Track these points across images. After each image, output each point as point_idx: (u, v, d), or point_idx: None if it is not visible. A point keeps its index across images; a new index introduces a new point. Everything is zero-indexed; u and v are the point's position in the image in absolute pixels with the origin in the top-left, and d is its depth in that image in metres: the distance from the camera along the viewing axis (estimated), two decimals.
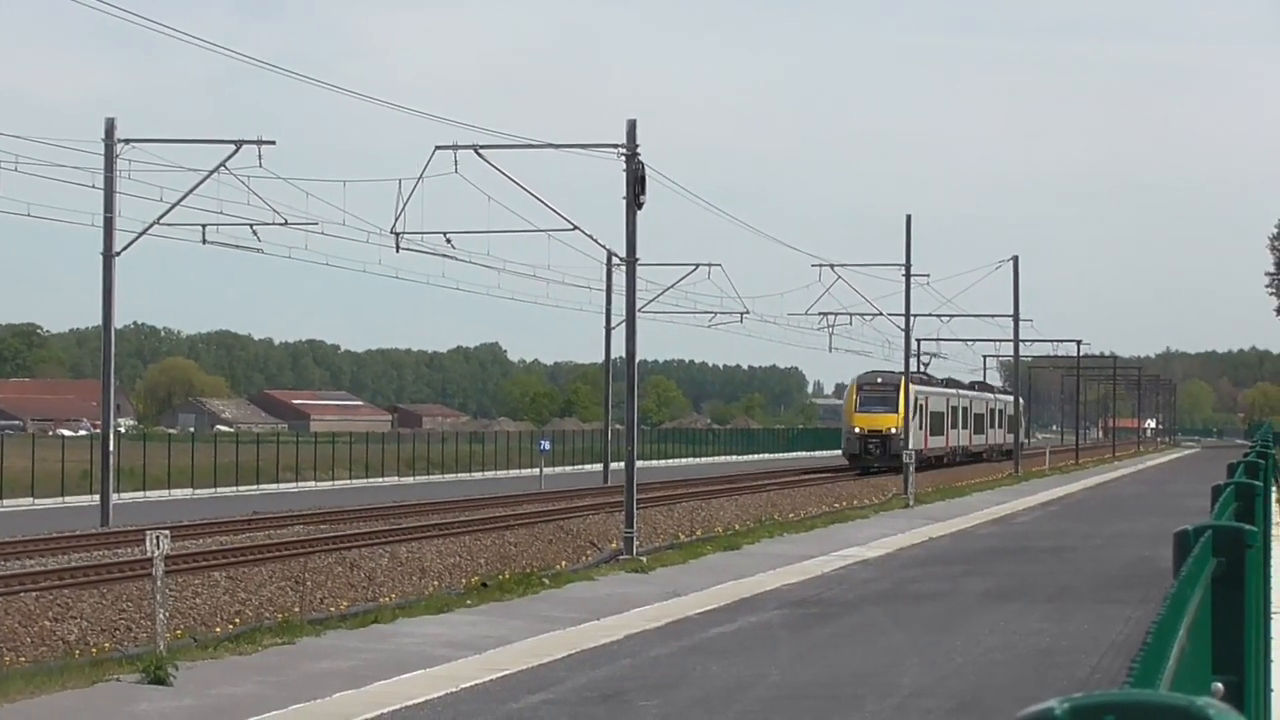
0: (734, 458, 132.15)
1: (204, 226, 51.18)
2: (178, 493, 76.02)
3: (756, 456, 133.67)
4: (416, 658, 24.89)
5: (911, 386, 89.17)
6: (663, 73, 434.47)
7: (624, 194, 44.18)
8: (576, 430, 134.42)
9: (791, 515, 59.70)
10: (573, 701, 20.81)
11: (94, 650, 27.95)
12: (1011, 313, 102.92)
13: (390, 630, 28.34)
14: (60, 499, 69.26)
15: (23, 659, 27.11)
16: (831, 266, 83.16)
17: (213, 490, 77.80)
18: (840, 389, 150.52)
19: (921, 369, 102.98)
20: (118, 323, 51.93)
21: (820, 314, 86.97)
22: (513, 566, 40.31)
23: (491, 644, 26.38)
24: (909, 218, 76.76)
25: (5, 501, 67.59)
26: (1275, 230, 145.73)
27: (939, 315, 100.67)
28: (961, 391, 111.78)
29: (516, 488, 74.89)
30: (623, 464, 47.11)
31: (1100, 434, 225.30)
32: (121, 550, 40.45)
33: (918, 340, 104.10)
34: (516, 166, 52.05)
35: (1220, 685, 5.47)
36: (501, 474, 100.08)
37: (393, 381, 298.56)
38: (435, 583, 38.75)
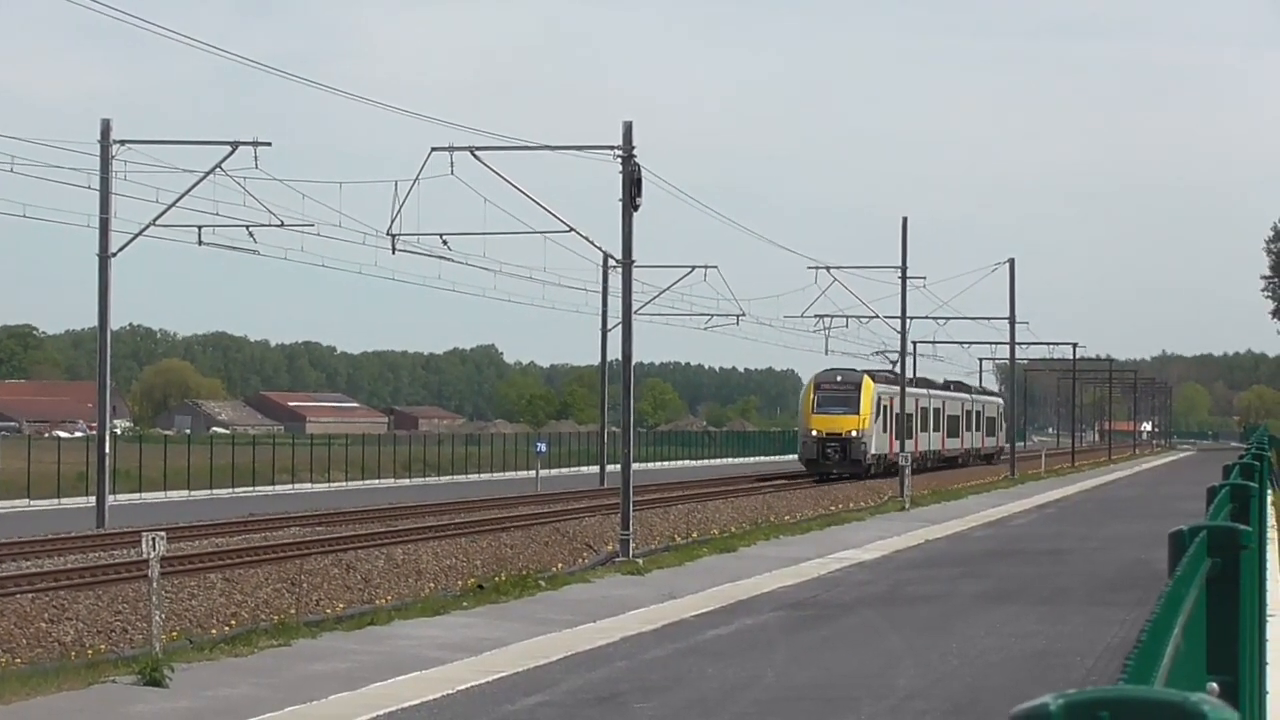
0: (730, 460, 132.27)
1: (200, 228, 51.20)
2: (174, 494, 76.02)
3: (752, 459, 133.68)
4: (412, 660, 24.88)
5: (875, 386, 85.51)
6: (659, 74, 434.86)
7: (620, 196, 44.18)
8: (573, 432, 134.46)
9: (788, 518, 59.71)
10: (568, 704, 20.81)
11: (90, 652, 27.94)
12: (1008, 315, 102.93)
13: (386, 632, 28.34)
14: (56, 500, 69.26)
15: (19, 660, 27.10)
16: (828, 269, 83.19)
17: (209, 492, 77.80)
18: None
19: (891, 368, 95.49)
20: (113, 324, 51.96)
21: (816, 316, 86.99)
22: (509, 568, 40.30)
23: (487, 646, 26.38)
24: (905, 220, 76.85)
25: (1, 503, 67.58)
26: (1271, 233, 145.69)
27: (935, 317, 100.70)
28: (934, 391, 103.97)
29: (513, 490, 74.88)
30: (619, 466, 47.11)
31: (1096, 437, 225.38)
32: (118, 552, 40.44)
33: (914, 343, 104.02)
34: (512, 168, 52.00)
35: (1215, 685, 5.48)
36: (498, 476, 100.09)
37: (389, 383, 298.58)
38: (431, 585, 38.74)
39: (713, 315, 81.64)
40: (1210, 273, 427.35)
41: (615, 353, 59.44)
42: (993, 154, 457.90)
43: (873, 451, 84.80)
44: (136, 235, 50.40)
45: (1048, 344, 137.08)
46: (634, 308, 47.41)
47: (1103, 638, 26.17)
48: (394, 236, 50.07)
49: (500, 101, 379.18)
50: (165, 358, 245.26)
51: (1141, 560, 39.27)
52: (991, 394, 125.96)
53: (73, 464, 71.74)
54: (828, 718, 19.68)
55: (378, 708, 20.56)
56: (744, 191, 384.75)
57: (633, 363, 46.14)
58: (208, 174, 49.15)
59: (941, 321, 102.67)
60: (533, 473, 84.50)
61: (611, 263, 61.55)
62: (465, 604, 32.45)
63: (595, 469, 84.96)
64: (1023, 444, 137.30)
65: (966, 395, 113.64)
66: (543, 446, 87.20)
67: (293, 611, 32.56)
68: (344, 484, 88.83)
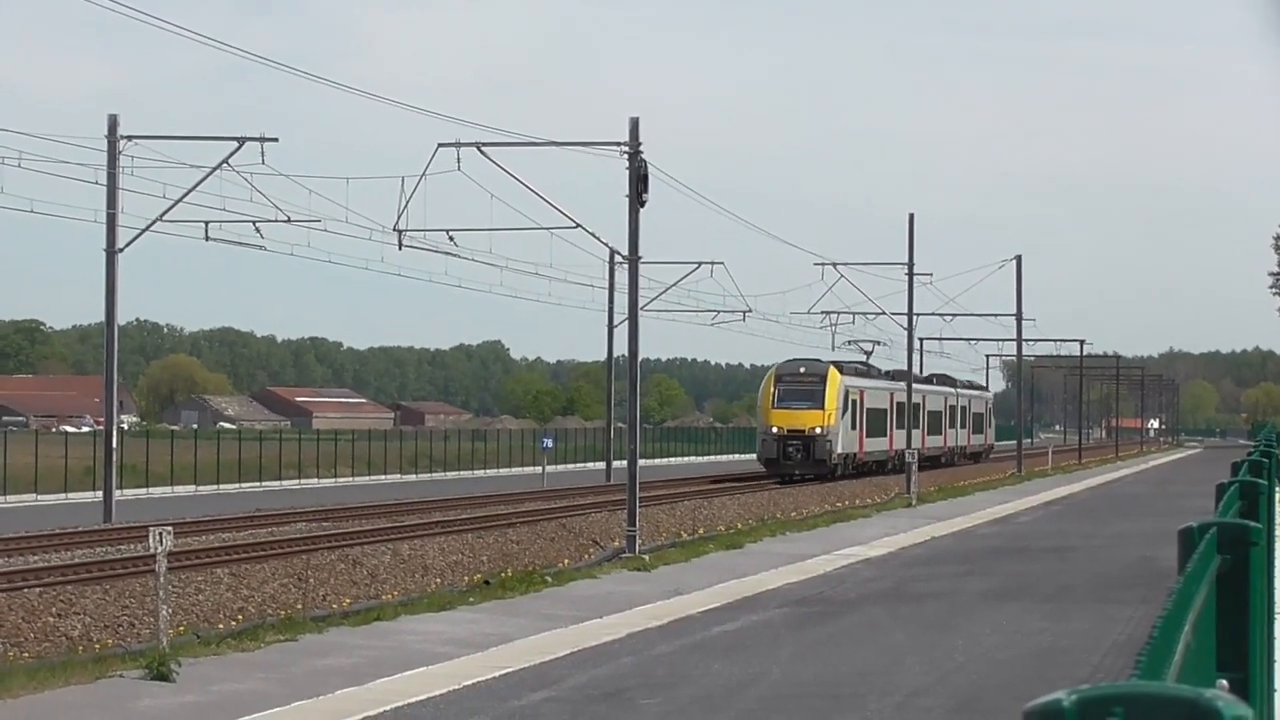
0: (736, 456, 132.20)
1: (207, 223, 51.25)
2: (180, 489, 76.10)
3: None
4: (419, 655, 24.89)
5: (842, 378, 78.38)
6: (666, 71, 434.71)
7: (626, 192, 44.18)
8: (579, 428, 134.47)
9: (794, 514, 59.70)
10: (575, 699, 20.81)
11: (97, 646, 27.96)
12: (1015, 312, 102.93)
13: (392, 628, 28.35)
14: (63, 495, 69.32)
15: (26, 655, 27.12)
16: (834, 265, 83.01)
17: (215, 487, 77.86)
18: None
19: (865, 360, 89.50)
20: (120, 319, 51.97)
21: (823, 313, 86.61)
22: (515, 564, 40.30)
23: (494, 642, 26.39)
24: (911, 216, 76.80)
25: (9, 498, 67.67)
26: (1279, 230, 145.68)
27: (942, 314, 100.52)
28: (913, 386, 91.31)
29: (519, 486, 74.89)
30: (625, 462, 47.11)
31: (1103, 434, 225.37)
32: (125, 547, 40.49)
33: (920, 340, 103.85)
34: (519, 164, 52.14)
35: (1225, 683, 5.48)
36: (504, 472, 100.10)
37: (395, 379, 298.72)
38: (437, 580, 38.75)
39: (719, 311, 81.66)
40: (1218, 270, 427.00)
41: (621, 349, 59.54)
42: (1000, 151, 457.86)
43: (839, 451, 77.47)
44: (143, 230, 50.46)
45: (1055, 340, 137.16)
46: (640, 304, 47.42)
47: (1109, 635, 26.17)
48: (400, 232, 50.11)
49: (502, 100, 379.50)
50: (172, 353, 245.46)
51: (1147, 558, 39.28)
52: (979, 388, 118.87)
53: (80, 459, 71.79)
54: (833, 714, 19.68)
55: (384, 703, 20.57)
56: (750, 188, 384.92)
57: (639, 359, 46.14)
58: (214, 169, 49.16)
59: (948, 318, 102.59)
60: (539, 468, 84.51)
61: (618, 259, 61.53)
62: (471, 600, 32.47)
63: (601, 465, 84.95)
64: (1029, 441, 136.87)
65: (950, 389, 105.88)
66: (549, 442, 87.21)
67: (299, 607, 32.57)
68: (350, 479, 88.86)
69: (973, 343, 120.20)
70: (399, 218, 49.65)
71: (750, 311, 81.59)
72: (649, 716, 19.70)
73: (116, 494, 51.32)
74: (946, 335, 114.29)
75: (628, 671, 23.08)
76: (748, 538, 47.34)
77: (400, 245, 50.43)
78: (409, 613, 30.32)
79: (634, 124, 44.30)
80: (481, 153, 47.19)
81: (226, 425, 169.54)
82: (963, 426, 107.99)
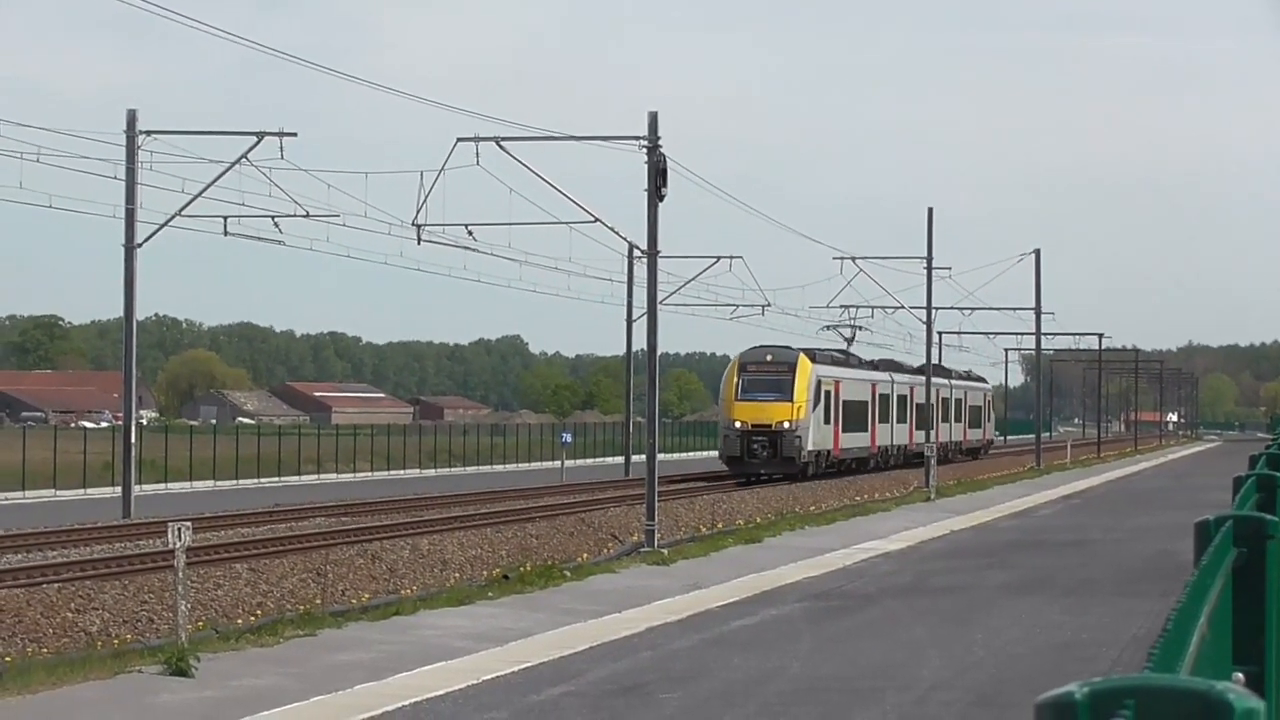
0: None
1: (225, 218, 51.27)
2: (199, 485, 76.22)
3: None
4: (438, 650, 24.91)
5: (814, 367, 71.22)
6: (684, 65, 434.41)
7: (645, 186, 44.17)
8: (598, 423, 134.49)
9: (813, 508, 59.68)
10: (594, 694, 20.82)
11: (116, 641, 28.01)
12: (1033, 306, 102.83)
13: (411, 622, 28.37)
14: (82, 490, 69.43)
15: (45, 650, 27.18)
16: (853, 259, 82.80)
17: (234, 482, 77.98)
18: None
19: (845, 348, 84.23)
20: (139, 314, 52.05)
21: (842, 307, 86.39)
22: (534, 559, 40.32)
23: (513, 636, 26.40)
24: (930, 210, 76.62)
25: (28, 493, 67.80)
26: None
27: (961, 308, 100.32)
28: (897, 376, 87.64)
29: (538, 480, 74.93)
30: (644, 456, 47.11)
31: (1122, 427, 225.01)
32: (143, 542, 40.56)
33: (939, 333, 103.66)
34: (538, 158, 52.18)
35: (1240, 676, 5.47)
36: (523, 466, 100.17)
37: (414, 374, 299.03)
38: (456, 575, 38.78)
39: (738, 306, 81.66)
40: (1237, 263, 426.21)
41: (640, 343, 59.50)
42: (1018, 145, 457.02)
43: (809, 447, 70.54)
44: (162, 226, 50.50)
45: (1073, 334, 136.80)
46: (659, 298, 47.38)
47: (1128, 629, 26.15)
48: (419, 227, 50.12)
49: (521, 94, 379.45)
50: (191, 348, 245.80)
51: (1167, 551, 39.22)
52: (977, 379, 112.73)
53: (99, 454, 71.90)
54: (853, 709, 19.67)
55: (403, 698, 20.59)
56: (768, 183, 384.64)
57: (658, 353, 46.14)
58: (233, 164, 49.20)
59: (967, 312, 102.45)
60: (558, 463, 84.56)
61: (637, 253, 61.59)
62: (490, 594, 32.48)
63: (620, 459, 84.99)
64: (1049, 435, 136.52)
65: (943, 381, 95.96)
66: (568, 437, 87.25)
67: (318, 601, 32.61)
68: (369, 474, 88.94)
69: (992, 337, 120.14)
70: (418, 212, 49.69)
71: (769, 305, 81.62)
72: (668, 711, 19.71)
73: (135, 489, 51.42)
74: (966, 329, 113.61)
75: (647, 666, 23.09)
76: (766, 532, 47.32)
77: (419, 240, 50.47)
78: (428, 607, 30.33)
79: (653, 118, 44.28)
80: (500, 147, 47.19)
81: (245, 420, 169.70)
82: (958, 420, 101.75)
